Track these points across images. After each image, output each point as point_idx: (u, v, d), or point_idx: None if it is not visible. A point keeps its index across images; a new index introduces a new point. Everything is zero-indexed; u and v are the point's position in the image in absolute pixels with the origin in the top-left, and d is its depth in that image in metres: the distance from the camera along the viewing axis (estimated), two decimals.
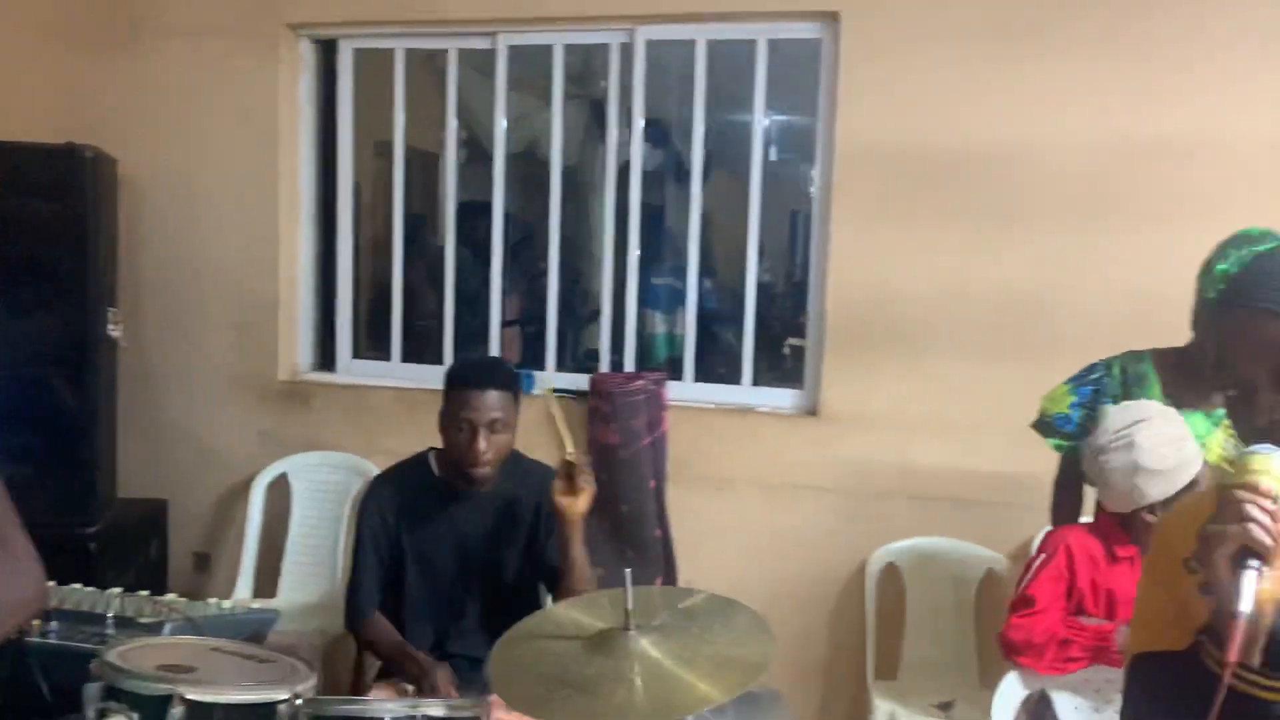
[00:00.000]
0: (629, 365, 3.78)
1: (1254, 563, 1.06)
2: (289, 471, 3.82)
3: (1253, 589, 1.05)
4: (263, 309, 3.92)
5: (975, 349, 3.30)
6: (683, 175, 7.06)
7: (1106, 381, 2.38)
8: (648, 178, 4.13)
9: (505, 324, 4.89)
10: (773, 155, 5.49)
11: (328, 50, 3.97)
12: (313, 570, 3.77)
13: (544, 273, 3.94)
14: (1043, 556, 2.30)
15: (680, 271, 5.67)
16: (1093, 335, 2.95)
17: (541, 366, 3.82)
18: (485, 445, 2.47)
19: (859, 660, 3.37)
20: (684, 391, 3.68)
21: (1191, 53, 3.09)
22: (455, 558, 2.60)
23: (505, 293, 4.22)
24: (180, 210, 3.93)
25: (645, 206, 3.98)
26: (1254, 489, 1.08)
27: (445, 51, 3.82)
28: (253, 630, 2.48)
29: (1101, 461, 2.22)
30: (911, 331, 3.38)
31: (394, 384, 3.87)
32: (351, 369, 4.03)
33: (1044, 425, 2.48)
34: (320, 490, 3.82)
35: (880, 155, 3.35)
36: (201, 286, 3.94)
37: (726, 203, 4.50)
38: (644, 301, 5.62)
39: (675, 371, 3.76)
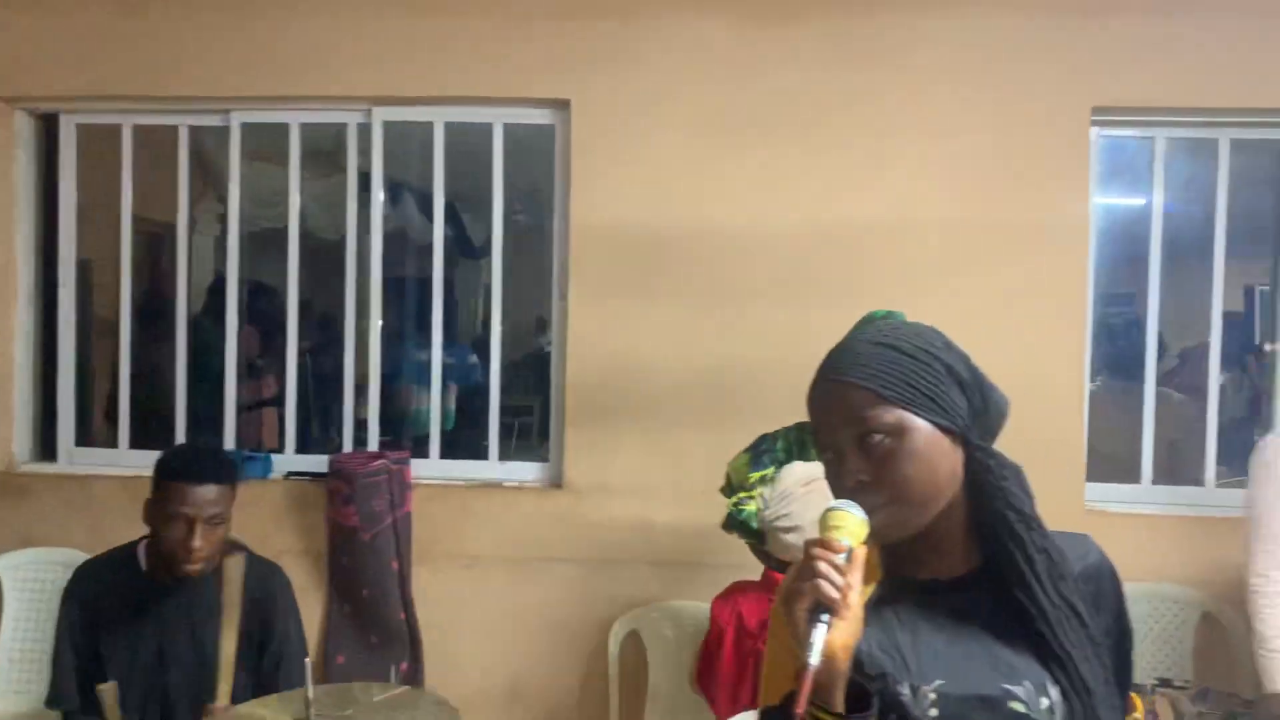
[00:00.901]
0: (374, 443, 3.73)
1: (824, 617, 1.14)
2: (0, 570, 3.53)
3: (822, 641, 1.13)
4: None
5: (704, 418, 3.46)
6: (469, 250, 7.09)
7: (773, 452, 2.56)
8: (422, 252, 4.13)
9: (260, 404, 4.72)
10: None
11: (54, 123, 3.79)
12: (27, 677, 3.49)
13: (308, 350, 3.86)
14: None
15: (452, 347, 5.62)
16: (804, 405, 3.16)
17: (290, 448, 3.72)
18: (201, 542, 2.38)
19: None
20: (430, 469, 3.67)
21: (879, 145, 3.41)
22: (159, 659, 2.47)
23: (261, 372, 4.10)
24: None
25: (416, 281, 3.97)
26: (828, 545, 1.19)
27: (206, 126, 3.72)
28: None
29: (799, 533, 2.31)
30: (647, 402, 3.50)
31: (121, 472, 3.66)
32: (74, 457, 3.79)
33: (735, 521, 2.60)
34: (36, 590, 3.55)
35: (613, 234, 3.50)
36: None
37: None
38: (406, 376, 5.57)
39: (446, 448, 3.75)
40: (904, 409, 1.25)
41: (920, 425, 1.25)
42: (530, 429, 5.00)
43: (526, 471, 3.68)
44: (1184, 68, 3.38)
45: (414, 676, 3.47)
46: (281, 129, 3.69)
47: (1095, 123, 3.42)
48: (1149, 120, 3.47)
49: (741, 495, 2.53)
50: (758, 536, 2.53)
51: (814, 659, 1.12)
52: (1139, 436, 3.56)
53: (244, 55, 3.56)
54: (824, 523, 1.21)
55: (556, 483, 3.60)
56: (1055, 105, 3.36)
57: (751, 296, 3.43)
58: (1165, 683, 3.16)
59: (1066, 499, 3.33)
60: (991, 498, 1.29)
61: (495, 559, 3.55)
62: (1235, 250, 3.59)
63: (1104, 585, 1.32)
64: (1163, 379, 3.89)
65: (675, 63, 3.47)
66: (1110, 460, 3.66)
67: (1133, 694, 1.32)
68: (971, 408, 1.29)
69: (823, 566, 1.16)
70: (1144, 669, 3.21)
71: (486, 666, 3.53)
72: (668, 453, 3.48)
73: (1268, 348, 3.57)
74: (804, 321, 3.41)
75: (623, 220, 3.49)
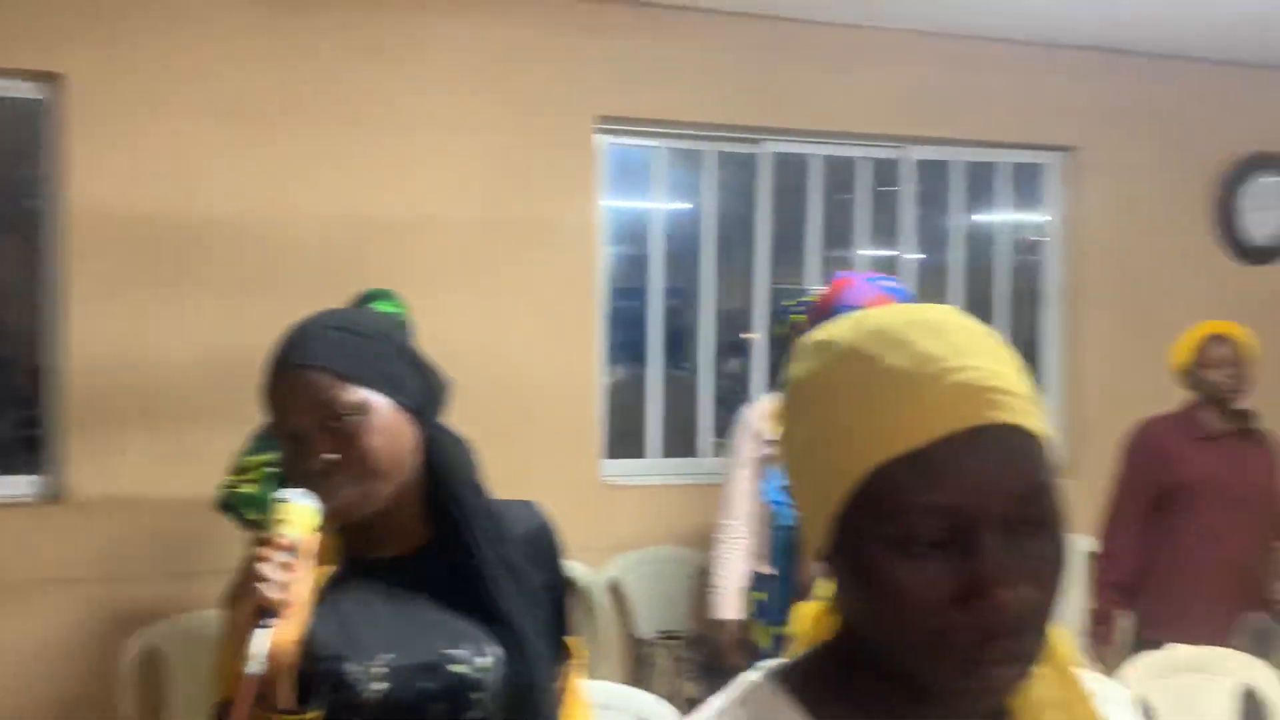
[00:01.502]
0: None
1: (267, 620, 1.12)
2: None
3: (264, 646, 1.11)
4: None
5: (222, 416, 3.27)
6: None
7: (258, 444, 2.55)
8: None
9: None
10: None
11: None
12: None
13: None
14: None
15: None
16: None
17: None
18: None
19: None
20: None
21: (402, 141, 3.48)
22: None
23: None
24: None
25: None
26: (271, 543, 1.17)
27: None
28: None
29: None
30: (164, 402, 3.29)
31: None
32: None
33: (229, 504, 2.53)
34: None
35: (122, 223, 3.24)
36: None
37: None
38: None
39: None
40: (366, 388, 1.29)
41: (381, 403, 1.30)
42: (37, 441, 4.50)
43: (18, 485, 3.30)
44: (678, 86, 3.79)
45: None
46: None
47: (600, 131, 3.72)
48: (648, 131, 3.85)
49: (238, 478, 2.46)
50: (250, 522, 2.47)
51: (253, 668, 1.10)
52: (652, 416, 3.94)
53: None
54: (269, 517, 1.21)
55: (55, 496, 3.27)
56: (562, 113, 3.62)
57: (273, 289, 3.33)
58: (667, 634, 3.55)
59: (585, 475, 3.60)
60: (442, 470, 1.37)
61: None
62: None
63: (543, 545, 1.45)
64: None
65: (193, 42, 3.30)
66: (631, 438, 4.01)
67: (572, 641, 1.47)
68: (422, 387, 1.37)
69: (264, 568, 1.15)
70: (650, 623, 3.57)
71: None
72: (183, 456, 3.29)
73: (744, 336, 4.10)
74: None
75: (134, 207, 3.25)
